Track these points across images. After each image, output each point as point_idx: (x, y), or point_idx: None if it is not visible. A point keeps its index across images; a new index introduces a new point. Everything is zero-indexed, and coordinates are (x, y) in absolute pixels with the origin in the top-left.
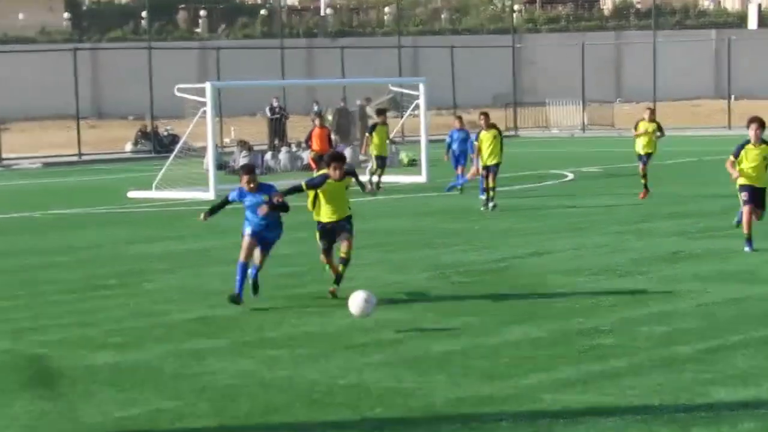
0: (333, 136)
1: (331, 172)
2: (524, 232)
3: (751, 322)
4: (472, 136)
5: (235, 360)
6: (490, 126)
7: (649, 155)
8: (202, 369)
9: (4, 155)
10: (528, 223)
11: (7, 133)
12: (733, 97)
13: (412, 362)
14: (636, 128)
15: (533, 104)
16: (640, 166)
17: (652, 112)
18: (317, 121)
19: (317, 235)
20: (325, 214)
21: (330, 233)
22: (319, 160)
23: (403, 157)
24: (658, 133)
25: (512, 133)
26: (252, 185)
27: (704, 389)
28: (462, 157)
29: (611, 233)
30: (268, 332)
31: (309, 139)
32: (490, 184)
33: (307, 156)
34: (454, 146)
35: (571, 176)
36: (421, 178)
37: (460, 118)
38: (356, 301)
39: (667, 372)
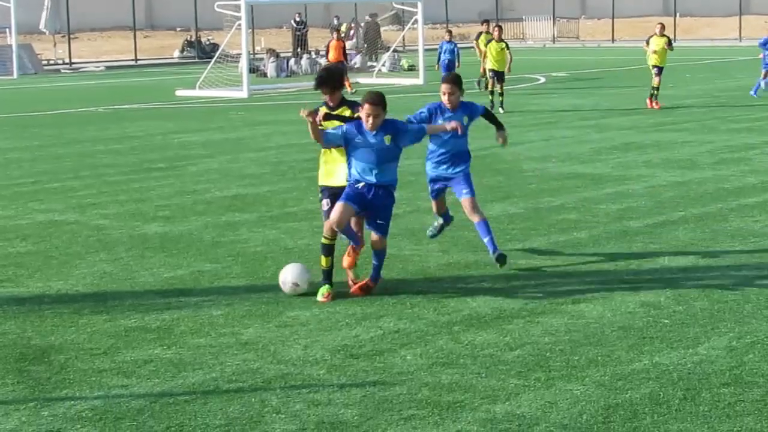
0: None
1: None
2: None
3: (690, 202)
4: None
5: (263, 230)
6: (501, 39)
7: (660, 68)
8: (235, 237)
9: (73, 60)
10: (506, 118)
11: (76, 42)
12: (678, 14)
13: (410, 233)
14: (647, 43)
15: (512, 20)
16: (655, 78)
17: (663, 27)
18: (335, 34)
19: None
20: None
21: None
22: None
23: (404, 63)
24: (668, 47)
25: None
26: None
27: (651, 257)
28: (451, 65)
29: (575, 127)
30: (290, 208)
31: (327, 49)
32: (498, 89)
33: (324, 63)
34: (444, 56)
35: (542, 80)
36: (419, 81)
37: (450, 32)
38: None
39: (621, 242)
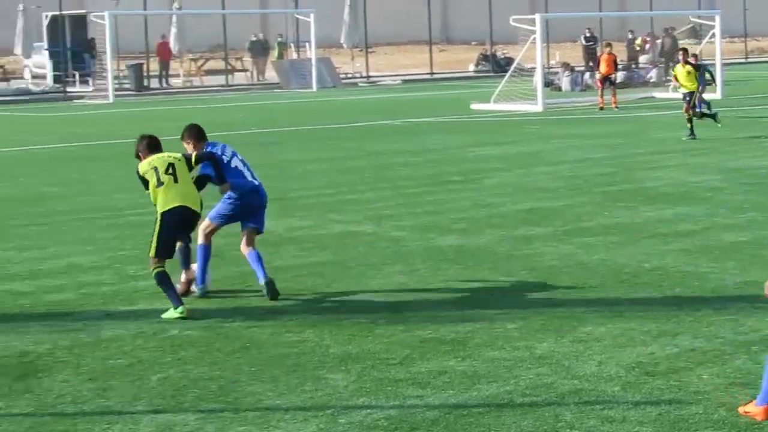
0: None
1: None
2: None
3: None
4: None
5: (558, 245)
6: None
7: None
8: (530, 251)
9: (370, 73)
10: None
11: (373, 56)
12: None
13: (707, 250)
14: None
15: None
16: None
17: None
18: (607, 49)
19: None
20: None
21: None
22: (604, 81)
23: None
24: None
25: None
26: None
27: None
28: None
29: None
30: (585, 222)
31: (597, 62)
32: None
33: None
34: None
35: None
36: (716, 95)
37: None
38: None
39: None
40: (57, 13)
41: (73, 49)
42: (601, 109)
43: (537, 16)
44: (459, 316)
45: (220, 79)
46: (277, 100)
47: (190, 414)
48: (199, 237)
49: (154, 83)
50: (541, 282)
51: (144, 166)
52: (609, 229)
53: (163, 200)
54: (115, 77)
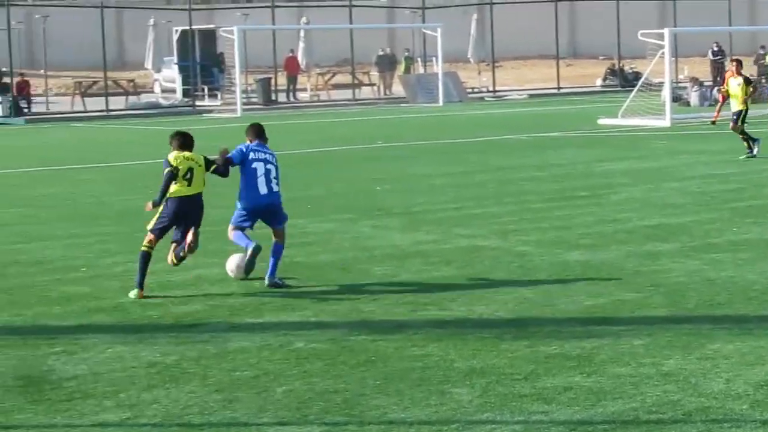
0: None
1: None
2: None
3: None
4: None
5: (685, 261)
6: None
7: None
8: (657, 267)
9: (497, 88)
10: None
11: (500, 70)
12: None
13: None
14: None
15: None
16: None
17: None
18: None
19: None
20: None
21: None
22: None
23: None
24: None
25: None
26: None
27: None
28: None
29: None
30: (713, 239)
31: (723, 80)
32: None
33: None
34: None
35: None
36: None
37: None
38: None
39: None
40: (187, 27)
41: (203, 63)
42: (713, 123)
43: (666, 31)
44: (584, 331)
45: (346, 93)
46: (404, 115)
47: (315, 426)
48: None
49: (282, 97)
50: (668, 298)
51: (173, 160)
52: (738, 245)
53: (175, 191)
54: (244, 91)
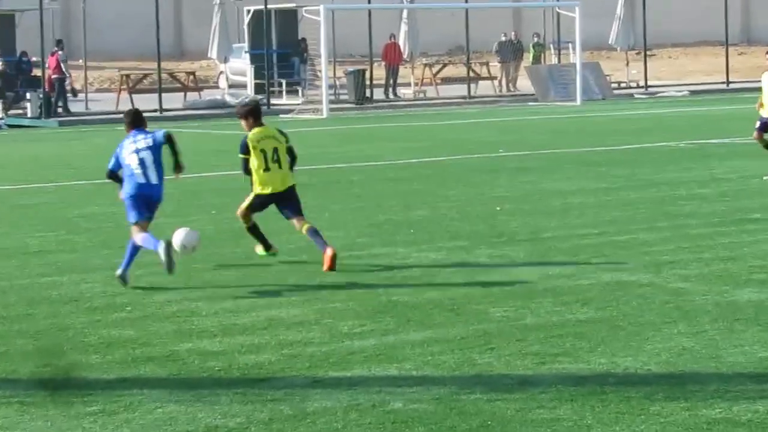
0: None
1: None
2: None
3: None
4: None
5: None
6: None
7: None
8: None
9: (650, 82)
10: None
11: (654, 60)
12: None
13: None
14: None
15: None
16: None
17: None
18: None
19: None
20: None
21: None
22: None
23: None
24: None
25: None
26: None
27: None
28: None
29: None
30: None
31: None
32: None
33: None
34: None
35: None
36: None
37: None
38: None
39: None
40: (261, 7)
41: (280, 51)
42: None
43: None
44: (757, 390)
45: (460, 89)
46: (532, 116)
47: None
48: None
49: (379, 94)
50: None
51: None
52: None
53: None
54: (331, 86)
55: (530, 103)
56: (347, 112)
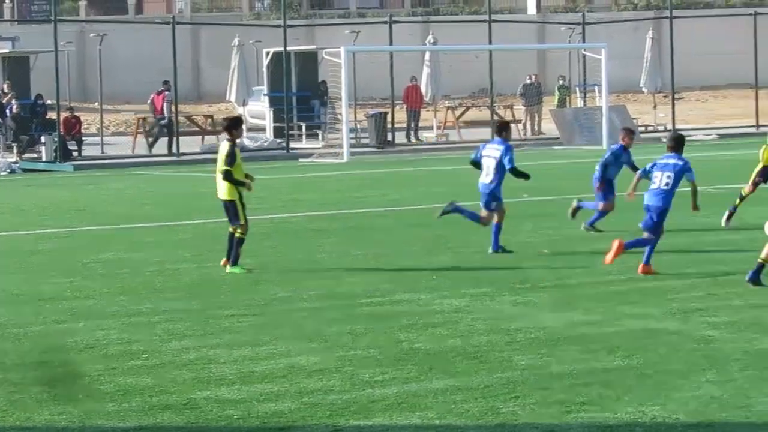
0: None
1: None
2: None
3: None
4: None
5: None
6: None
7: None
8: None
9: (678, 126)
10: None
11: (682, 103)
12: None
13: None
14: None
15: None
16: None
17: None
18: None
19: None
20: None
21: None
22: None
23: None
24: None
25: None
26: None
27: None
28: None
29: None
30: None
31: None
32: None
33: None
34: None
35: None
36: None
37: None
38: None
39: None
40: (280, 49)
41: (300, 94)
42: None
43: None
44: None
45: (484, 133)
46: (556, 160)
47: None
48: None
49: (400, 137)
50: None
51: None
52: None
53: None
54: (352, 130)
55: (555, 147)
56: (368, 155)
